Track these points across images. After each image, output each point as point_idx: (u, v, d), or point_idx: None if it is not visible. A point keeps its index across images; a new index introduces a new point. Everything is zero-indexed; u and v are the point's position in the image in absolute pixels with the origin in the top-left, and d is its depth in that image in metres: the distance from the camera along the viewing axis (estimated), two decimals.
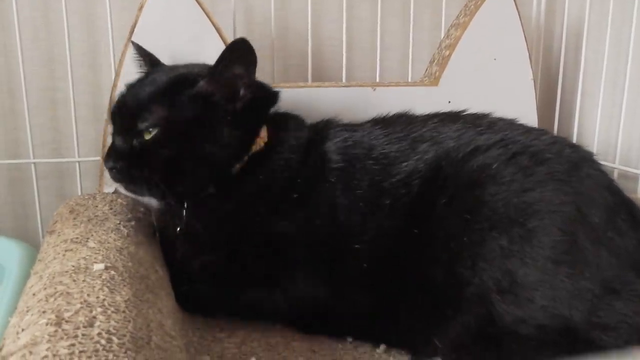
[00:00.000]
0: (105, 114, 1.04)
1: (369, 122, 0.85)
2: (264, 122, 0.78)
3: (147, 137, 0.71)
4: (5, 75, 1.01)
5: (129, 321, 0.50)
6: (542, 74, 1.21)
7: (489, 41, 1.04)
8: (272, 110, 0.81)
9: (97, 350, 0.45)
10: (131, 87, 0.77)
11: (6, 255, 0.84)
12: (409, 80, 1.15)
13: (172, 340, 0.55)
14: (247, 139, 0.76)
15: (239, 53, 0.72)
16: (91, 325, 0.48)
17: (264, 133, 0.78)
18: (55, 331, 0.47)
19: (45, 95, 1.03)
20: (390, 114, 0.87)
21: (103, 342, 0.46)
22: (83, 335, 0.47)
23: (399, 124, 0.81)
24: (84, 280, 0.57)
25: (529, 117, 1.07)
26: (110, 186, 0.91)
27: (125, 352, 0.46)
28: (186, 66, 0.80)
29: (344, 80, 1.10)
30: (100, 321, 0.49)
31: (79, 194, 1.01)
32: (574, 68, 1.18)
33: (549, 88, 1.22)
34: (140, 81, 0.78)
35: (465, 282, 0.66)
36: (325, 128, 0.82)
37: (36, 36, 1.01)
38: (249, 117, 0.75)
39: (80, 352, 0.44)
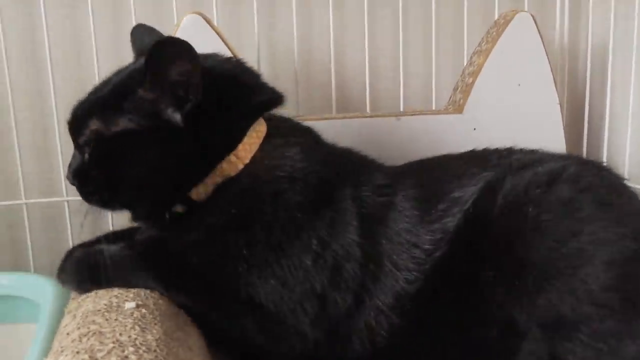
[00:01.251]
0: None
1: (390, 172, 0.76)
2: (243, 135, 0.67)
3: (89, 154, 0.65)
4: (39, 115, 1.04)
5: None
6: (567, 96, 1.20)
7: (512, 67, 1.03)
8: (271, 117, 0.71)
9: None
10: (87, 94, 0.70)
11: (41, 293, 0.86)
12: (433, 107, 1.16)
13: None
14: (206, 157, 0.66)
15: (170, 51, 0.62)
16: None
17: (245, 149, 0.67)
18: None
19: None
20: (413, 165, 0.80)
21: None
22: None
23: (419, 178, 0.73)
24: (116, 319, 0.58)
25: (557, 142, 1.06)
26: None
27: None
28: (139, 65, 0.69)
29: (368, 110, 1.11)
30: None
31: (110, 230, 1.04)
32: (600, 89, 1.17)
33: (576, 111, 1.20)
34: (95, 87, 0.70)
35: (521, 335, 0.62)
36: (345, 166, 0.72)
37: (69, 76, 1.03)
38: (209, 128, 0.65)
39: None
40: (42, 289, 0.86)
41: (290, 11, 1.07)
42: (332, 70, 1.08)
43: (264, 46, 1.09)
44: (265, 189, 0.66)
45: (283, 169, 0.67)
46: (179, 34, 0.88)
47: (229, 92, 0.67)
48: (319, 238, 0.65)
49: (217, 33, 0.90)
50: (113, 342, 0.53)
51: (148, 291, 0.66)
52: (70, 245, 1.01)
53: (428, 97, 1.19)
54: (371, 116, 1.02)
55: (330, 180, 0.69)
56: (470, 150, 0.81)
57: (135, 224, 0.75)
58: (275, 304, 0.64)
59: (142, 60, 0.66)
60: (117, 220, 1.03)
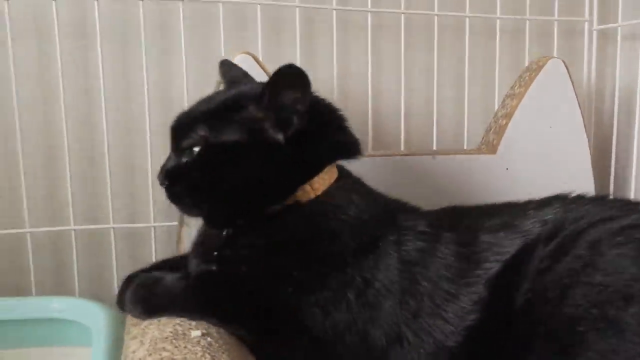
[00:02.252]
0: None
1: (439, 222, 0.77)
2: (324, 170, 0.72)
3: (190, 156, 0.70)
4: (88, 144, 1.09)
5: None
6: (594, 136, 1.24)
7: (544, 110, 1.08)
8: (344, 164, 0.76)
9: None
10: (194, 104, 0.77)
11: (92, 317, 0.89)
12: (465, 147, 1.20)
13: None
14: (292, 179, 0.71)
15: (288, 78, 0.67)
16: None
17: (320, 182, 0.72)
18: None
19: (124, 163, 1.10)
20: (453, 211, 0.82)
21: None
22: None
23: (463, 228, 0.75)
24: (185, 347, 0.61)
25: (585, 180, 1.10)
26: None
27: None
28: (250, 85, 0.78)
29: (402, 148, 1.15)
30: None
31: (153, 257, 1.07)
32: (626, 129, 1.21)
33: (602, 150, 1.25)
34: (200, 100, 0.77)
35: None
36: (395, 220, 0.75)
37: (117, 107, 1.08)
38: (300, 154, 0.70)
39: None
40: (93, 314, 0.89)
41: (330, 52, 1.13)
42: (370, 109, 1.12)
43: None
44: (327, 225, 0.71)
45: (346, 213, 0.72)
46: None
47: (323, 128, 0.73)
48: (362, 277, 0.69)
49: (265, 71, 0.95)
50: None
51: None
52: (114, 271, 1.06)
53: (457, 137, 1.23)
54: (408, 154, 1.06)
55: (380, 228, 0.73)
56: (509, 202, 0.83)
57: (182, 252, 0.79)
58: (318, 331, 0.68)
59: (247, 84, 0.78)
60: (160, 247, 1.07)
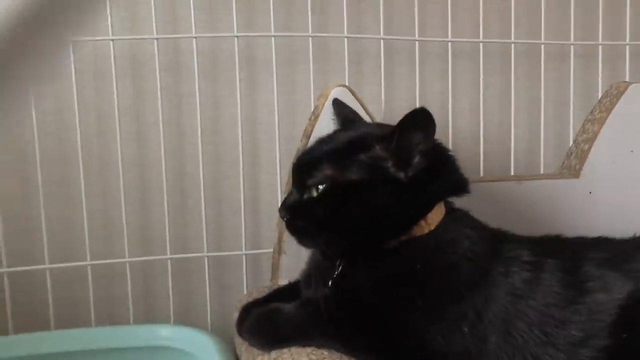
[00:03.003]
0: (259, 211, 1.15)
1: (551, 254, 0.78)
2: (436, 206, 0.75)
3: (314, 193, 0.73)
4: (180, 176, 1.12)
5: None
6: None
7: (625, 134, 1.09)
8: (454, 201, 0.79)
9: None
10: (316, 143, 0.80)
11: (198, 345, 0.92)
12: (541, 172, 1.22)
13: None
14: (410, 215, 0.74)
15: (418, 120, 0.71)
16: None
17: (433, 218, 0.75)
18: None
19: (214, 194, 1.13)
20: (554, 239, 0.85)
21: None
22: None
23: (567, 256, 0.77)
24: None
25: None
26: (285, 279, 0.99)
27: None
28: (371, 126, 0.84)
29: (481, 174, 1.18)
30: None
31: (244, 285, 1.10)
32: None
33: None
34: (323, 139, 0.80)
35: None
36: (501, 251, 0.77)
37: (208, 140, 1.12)
38: (418, 192, 0.73)
39: None
40: (200, 342, 0.92)
41: (407, 80, 1.16)
42: (450, 134, 1.15)
43: (387, 112, 1.17)
44: (445, 258, 0.74)
45: (461, 247, 0.74)
46: (327, 104, 0.96)
47: (439, 167, 0.76)
48: (475, 310, 0.71)
49: (360, 103, 0.98)
50: None
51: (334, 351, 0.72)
52: (207, 298, 1.08)
53: (531, 162, 1.25)
54: (494, 180, 1.07)
55: (490, 260, 0.75)
56: (606, 237, 0.85)
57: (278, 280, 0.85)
58: (437, 356, 0.70)
59: (364, 123, 0.84)
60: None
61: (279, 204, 1.04)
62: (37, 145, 1.01)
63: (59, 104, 1.08)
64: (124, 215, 1.05)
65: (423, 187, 0.74)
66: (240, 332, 0.80)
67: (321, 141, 0.79)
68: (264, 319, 0.77)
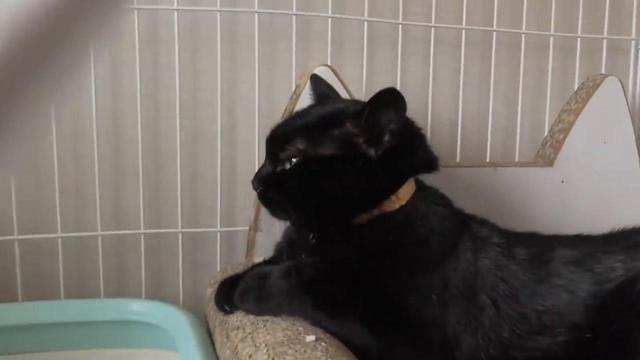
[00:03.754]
0: (235, 189, 1.14)
1: (521, 243, 0.79)
2: (406, 182, 0.77)
3: (287, 166, 0.75)
4: (154, 151, 1.11)
5: None
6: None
7: (599, 126, 1.11)
8: (423, 178, 0.81)
9: None
10: (288, 118, 0.83)
11: (171, 320, 0.91)
12: (516, 160, 1.23)
13: None
14: (380, 191, 0.75)
15: (387, 99, 0.72)
16: None
17: (403, 194, 0.76)
18: None
19: (189, 171, 1.12)
20: (529, 237, 0.83)
21: None
22: None
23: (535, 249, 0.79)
24: (305, 351, 0.63)
25: (635, 196, 1.14)
26: (260, 256, 0.98)
27: None
28: (346, 102, 0.85)
29: (457, 159, 1.19)
30: None
31: (218, 262, 1.09)
32: None
33: None
34: (297, 113, 0.82)
35: None
36: (470, 229, 0.79)
37: (186, 115, 1.10)
38: (388, 168, 0.75)
39: None
40: (173, 317, 0.91)
41: (389, 64, 1.17)
42: (429, 120, 1.15)
43: (368, 94, 1.17)
44: (415, 232, 0.76)
45: (432, 222, 0.77)
46: (309, 83, 0.95)
47: (409, 145, 0.78)
48: (443, 279, 0.73)
49: (342, 83, 0.98)
50: None
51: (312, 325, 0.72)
52: (180, 275, 1.07)
53: (507, 150, 1.27)
54: (471, 166, 1.09)
55: (456, 233, 0.77)
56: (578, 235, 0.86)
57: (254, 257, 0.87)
58: (411, 323, 0.72)
59: (339, 100, 0.85)
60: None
61: None
62: None
63: None
64: (97, 188, 1.03)
65: (393, 164, 0.75)
66: (218, 303, 0.80)
67: (295, 115, 0.81)
68: (249, 286, 0.77)
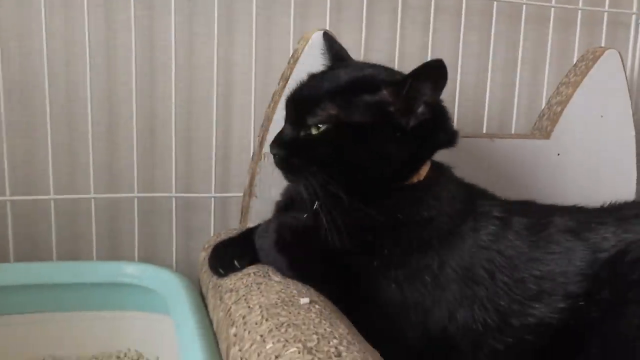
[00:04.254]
0: (230, 155, 1.13)
1: (518, 213, 0.79)
2: (429, 159, 0.76)
3: (314, 131, 0.71)
4: (149, 114, 1.09)
5: (364, 352, 0.56)
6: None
7: (597, 99, 1.11)
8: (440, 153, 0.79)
9: None
10: (312, 79, 0.77)
11: (164, 285, 0.91)
12: (512, 132, 1.23)
13: None
14: (410, 165, 0.74)
15: (432, 72, 0.70)
16: (340, 355, 0.54)
17: (424, 170, 0.75)
18: (312, 359, 0.53)
19: (183, 135, 1.11)
20: (531, 206, 0.83)
21: None
22: None
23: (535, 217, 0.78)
24: (298, 313, 0.63)
25: (629, 170, 1.14)
26: (254, 222, 0.98)
27: None
28: (373, 67, 0.79)
29: None
30: (345, 352, 0.55)
31: (211, 228, 1.09)
32: None
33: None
34: (322, 74, 0.78)
35: None
36: (475, 207, 0.78)
37: (181, 78, 1.08)
38: (418, 142, 0.73)
39: None
40: (166, 280, 0.91)
41: (388, 30, 1.15)
42: None
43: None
44: (426, 210, 0.74)
45: (444, 200, 0.75)
46: (307, 48, 0.94)
47: (438, 118, 0.75)
48: (440, 260, 0.73)
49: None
50: (315, 334, 0.58)
51: (304, 287, 0.72)
52: (174, 239, 1.07)
53: (504, 122, 1.26)
54: (468, 136, 1.08)
55: (463, 215, 0.76)
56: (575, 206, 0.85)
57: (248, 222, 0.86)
58: (388, 304, 0.71)
59: (369, 65, 0.79)
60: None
61: (252, 148, 1.04)
62: None
63: (22, 29, 1.03)
64: (91, 150, 1.02)
65: (423, 137, 0.73)
66: (212, 266, 0.80)
67: (318, 77, 0.76)
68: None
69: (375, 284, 0.72)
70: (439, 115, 0.76)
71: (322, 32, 0.95)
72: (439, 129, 0.76)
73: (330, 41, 0.87)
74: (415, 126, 0.72)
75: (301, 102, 0.74)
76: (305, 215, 0.76)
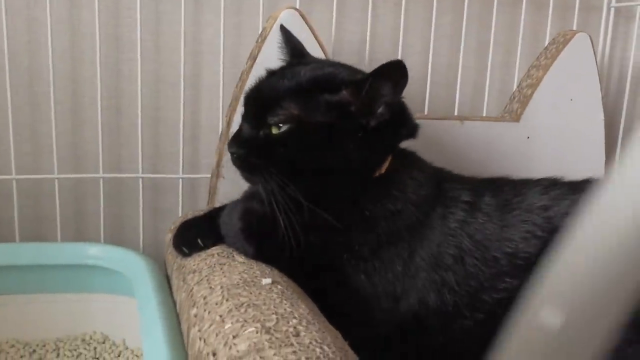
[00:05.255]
0: (199, 136, 1.11)
1: (487, 193, 0.78)
2: (391, 153, 0.76)
3: (275, 131, 0.70)
4: (115, 93, 1.07)
5: (324, 332, 0.56)
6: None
7: (567, 83, 1.11)
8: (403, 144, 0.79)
9: (318, 358, 0.50)
10: (270, 75, 0.76)
11: (128, 266, 0.89)
12: (484, 114, 1.23)
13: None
14: (372, 163, 0.74)
15: (392, 72, 0.69)
16: (298, 334, 0.54)
17: (386, 163, 0.75)
18: (270, 339, 0.53)
19: (151, 114, 1.09)
20: (502, 185, 0.81)
21: (318, 350, 0.51)
22: (299, 343, 0.52)
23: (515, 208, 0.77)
24: (259, 293, 0.63)
25: (598, 154, 1.15)
26: (222, 203, 0.97)
27: None
28: (332, 65, 0.79)
29: (425, 112, 1.18)
30: (304, 332, 0.55)
31: (180, 208, 1.07)
32: (632, 110, 1.26)
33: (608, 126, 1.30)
34: (282, 71, 0.76)
35: None
36: (443, 191, 0.77)
37: (148, 57, 1.06)
38: (379, 140, 0.73)
39: (307, 358, 0.50)
40: (131, 261, 0.90)
41: (360, 10, 1.15)
42: None
43: (338, 44, 1.14)
44: (392, 203, 0.73)
45: (409, 190, 0.75)
46: (276, 26, 0.92)
47: (399, 118, 0.75)
48: (410, 250, 0.73)
49: (309, 27, 0.95)
50: (274, 314, 0.58)
51: (266, 268, 0.71)
52: (140, 220, 1.05)
53: (475, 104, 1.26)
54: (437, 118, 1.08)
55: (431, 202, 0.76)
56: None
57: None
58: (358, 293, 0.71)
59: (329, 64, 0.79)
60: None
61: (220, 129, 1.03)
62: None
63: None
64: (54, 130, 0.99)
65: (382, 135, 0.73)
66: (176, 245, 0.79)
67: (278, 75, 0.75)
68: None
69: (345, 275, 0.72)
70: (400, 113, 0.75)
71: (291, 10, 0.94)
72: (400, 125, 0.75)
73: (287, 35, 0.85)
74: (376, 125, 0.72)
75: (261, 100, 0.73)
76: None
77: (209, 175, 0.99)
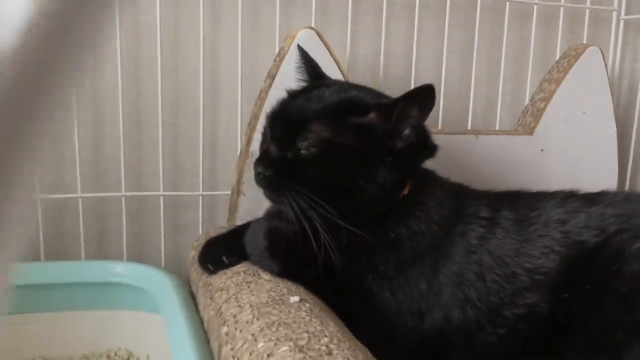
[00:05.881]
0: (217, 153, 1.13)
1: (505, 208, 0.80)
2: (415, 175, 0.78)
3: (303, 153, 0.72)
4: (136, 111, 1.09)
5: (354, 350, 0.57)
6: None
7: (580, 95, 1.13)
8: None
9: None
10: (295, 97, 0.78)
11: (153, 284, 0.91)
12: (497, 128, 1.25)
13: None
14: (398, 185, 0.75)
15: (422, 96, 0.72)
16: (330, 353, 0.55)
17: (407, 186, 0.77)
18: (304, 357, 0.54)
19: (170, 131, 1.11)
20: (519, 198, 0.83)
21: None
22: None
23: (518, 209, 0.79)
24: (289, 311, 0.64)
25: (611, 166, 1.17)
26: (242, 220, 0.98)
27: None
28: (356, 88, 0.80)
29: (439, 126, 1.19)
30: (336, 350, 0.56)
31: (200, 226, 1.09)
32: None
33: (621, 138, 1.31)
34: (305, 93, 0.78)
35: None
36: (462, 208, 0.79)
37: (167, 75, 1.08)
38: (405, 162, 0.75)
39: None
40: (156, 279, 0.92)
41: (373, 27, 1.16)
42: (412, 87, 1.15)
43: (353, 61, 1.16)
44: (415, 225, 0.75)
45: (431, 210, 0.77)
46: (294, 46, 0.94)
47: (422, 140, 0.77)
48: (433, 268, 0.75)
49: (327, 46, 0.97)
50: (305, 332, 0.59)
51: (293, 285, 0.73)
52: (162, 237, 1.07)
53: (488, 118, 1.28)
54: (453, 133, 1.09)
55: (452, 220, 0.78)
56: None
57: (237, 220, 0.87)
58: (384, 312, 0.73)
59: (355, 87, 0.80)
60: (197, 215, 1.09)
61: (239, 145, 1.04)
62: None
63: None
64: (77, 148, 1.01)
65: (407, 157, 0.75)
66: (202, 262, 0.81)
67: (303, 97, 0.77)
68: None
69: (370, 293, 0.74)
70: (422, 134, 0.77)
71: (308, 29, 0.96)
72: (424, 147, 0.78)
73: (304, 55, 0.87)
74: (402, 148, 0.74)
75: (288, 122, 0.74)
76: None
77: (228, 192, 1.01)
